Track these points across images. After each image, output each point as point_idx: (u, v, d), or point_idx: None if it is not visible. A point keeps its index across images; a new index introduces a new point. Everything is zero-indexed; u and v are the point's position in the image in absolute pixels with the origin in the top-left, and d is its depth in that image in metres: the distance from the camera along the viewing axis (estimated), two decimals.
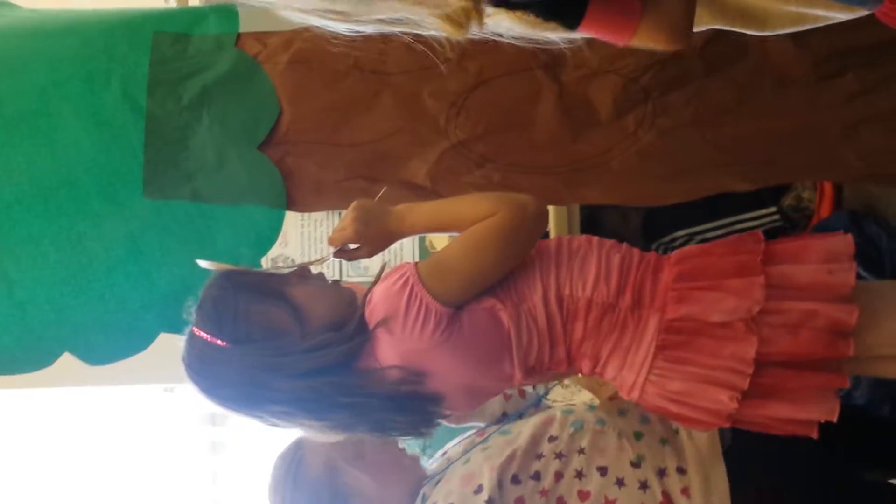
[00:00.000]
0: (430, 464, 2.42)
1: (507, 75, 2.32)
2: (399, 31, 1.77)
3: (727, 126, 2.28)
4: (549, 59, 2.30)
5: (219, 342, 1.80)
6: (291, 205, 2.38)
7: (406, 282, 1.80)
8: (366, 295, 1.87)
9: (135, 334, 2.37)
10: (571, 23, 1.78)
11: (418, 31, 1.73)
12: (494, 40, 2.23)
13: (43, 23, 2.48)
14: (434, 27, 1.69)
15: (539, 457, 2.18)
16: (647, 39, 1.79)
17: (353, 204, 1.90)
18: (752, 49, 2.25)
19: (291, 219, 3.36)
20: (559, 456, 2.18)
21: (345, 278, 3.55)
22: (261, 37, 2.43)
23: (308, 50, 2.38)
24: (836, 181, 2.97)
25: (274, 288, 1.85)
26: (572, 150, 2.31)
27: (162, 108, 2.32)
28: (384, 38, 2.33)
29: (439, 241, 2.99)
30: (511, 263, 1.87)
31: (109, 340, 2.36)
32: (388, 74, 2.36)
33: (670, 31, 1.77)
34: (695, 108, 2.27)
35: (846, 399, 2.69)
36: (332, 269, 3.48)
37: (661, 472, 2.16)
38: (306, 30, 2.37)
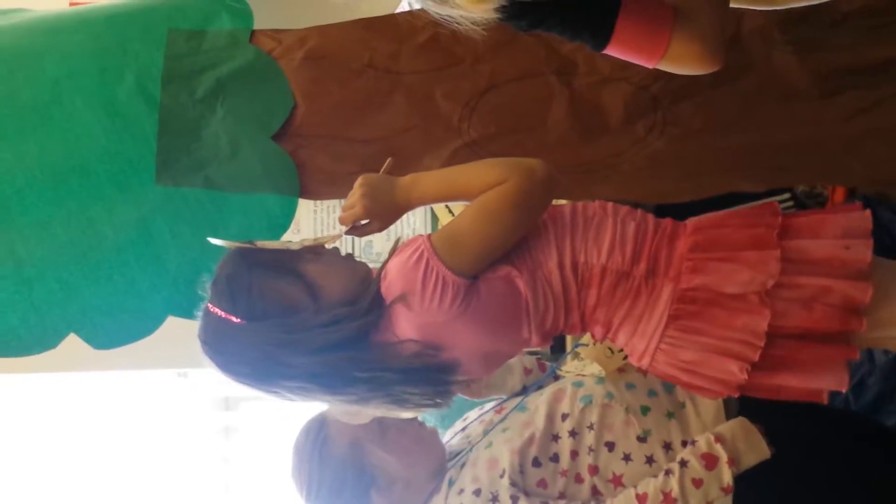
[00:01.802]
0: (449, 438, 2.44)
1: (520, 79, 2.33)
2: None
3: (734, 136, 2.28)
4: (562, 64, 2.32)
5: (233, 319, 1.80)
6: (304, 193, 2.39)
7: (421, 255, 1.79)
8: (381, 270, 1.87)
9: (142, 317, 2.38)
10: (599, 44, 1.78)
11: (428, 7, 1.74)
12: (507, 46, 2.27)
13: (56, 21, 2.50)
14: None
15: (555, 438, 2.21)
16: (677, 60, 1.79)
17: (360, 180, 1.89)
18: (758, 64, 2.26)
19: (304, 206, 3.36)
20: (572, 434, 2.21)
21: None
22: (275, 34, 2.44)
23: (323, 47, 2.39)
24: (844, 185, 2.98)
25: (288, 264, 1.85)
26: (583, 153, 2.32)
27: (176, 100, 2.33)
28: (399, 38, 2.35)
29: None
30: (524, 230, 1.85)
31: (116, 323, 2.37)
32: (402, 74, 2.37)
33: (704, 50, 1.77)
34: (703, 118, 2.28)
35: (856, 392, 2.72)
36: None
37: (667, 447, 2.19)
38: (321, 28, 2.41)
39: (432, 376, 1.83)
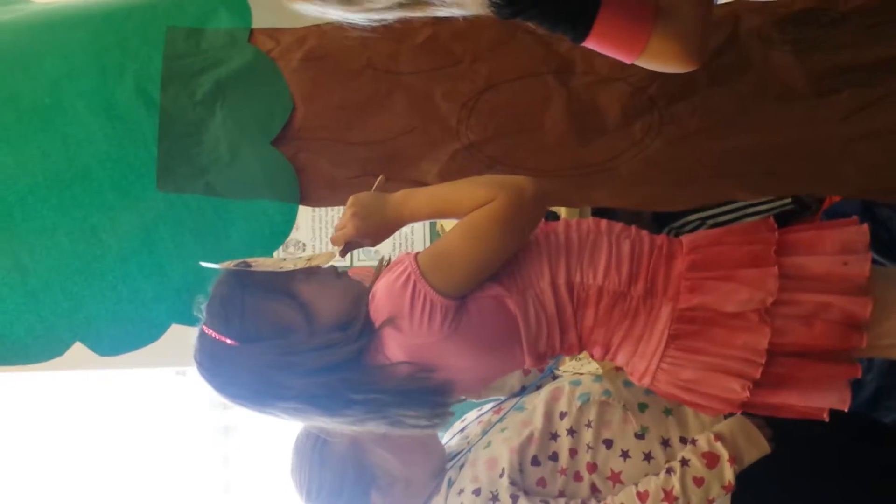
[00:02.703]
0: (448, 438, 2.45)
1: (518, 79, 2.31)
2: (418, 15, 1.77)
3: (731, 137, 2.27)
4: (560, 64, 2.31)
5: (227, 340, 1.80)
6: (304, 200, 2.37)
7: (408, 278, 1.79)
8: (368, 292, 1.87)
9: (146, 325, 2.37)
10: (579, 35, 1.79)
11: (437, 14, 1.74)
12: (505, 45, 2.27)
13: (55, 16, 2.47)
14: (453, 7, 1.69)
15: (554, 437, 2.22)
16: (656, 57, 1.80)
17: (350, 199, 1.90)
18: (756, 63, 2.26)
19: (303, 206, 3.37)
20: (571, 432, 2.22)
21: (355, 262, 3.56)
22: (273, 33, 2.42)
23: (321, 47, 2.38)
24: (836, 195, 2.98)
25: (282, 285, 1.85)
26: (580, 154, 2.30)
27: (175, 102, 2.32)
28: (398, 38, 2.34)
29: (450, 225, 2.99)
30: (513, 249, 1.85)
31: (121, 331, 2.37)
32: (401, 74, 2.35)
33: (683, 49, 1.78)
34: (700, 119, 2.27)
35: (855, 386, 2.71)
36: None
37: (665, 443, 2.20)
38: (319, 27, 2.40)
39: (427, 399, 1.84)
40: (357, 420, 1.83)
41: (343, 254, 1.93)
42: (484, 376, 1.95)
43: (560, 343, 1.89)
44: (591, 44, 1.81)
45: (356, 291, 1.89)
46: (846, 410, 1.87)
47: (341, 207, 2.01)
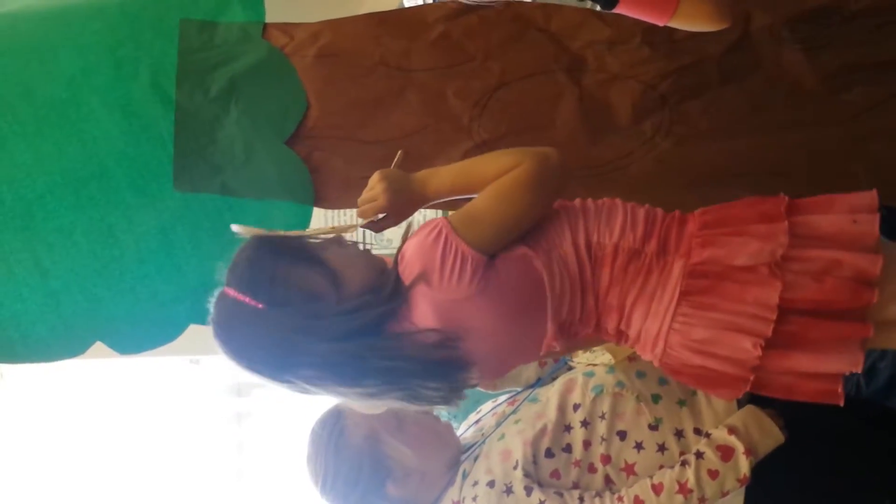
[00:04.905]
0: (463, 430, 2.45)
1: (530, 77, 2.32)
2: None
3: (741, 136, 2.28)
4: (571, 62, 2.32)
5: (255, 304, 1.79)
6: (319, 201, 2.38)
7: (440, 233, 1.80)
8: (398, 253, 1.87)
9: (165, 325, 2.38)
10: (610, 0, 1.78)
11: None
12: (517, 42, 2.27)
13: (68, 6, 2.46)
14: None
15: (568, 428, 2.22)
16: (688, 17, 1.80)
17: (376, 175, 1.90)
18: (767, 61, 2.27)
19: None
20: (584, 424, 2.22)
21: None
22: (287, 28, 2.42)
23: (335, 44, 2.38)
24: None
25: (311, 252, 1.85)
26: (591, 153, 2.32)
27: (190, 99, 2.31)
28: (410, 35, 2.34)
29: None
30: (539, 210, 1.87)
31: (140, 331, 2.38)
32: (413, 71, 2.35)
33: (714, 7, 1.78)
34: (710, 117, 2.28)
35: (868, 377, 2.71)
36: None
37: (679, 434, 2.20)
38: (333, 22, 2.39)
39: (447, 371, 1.83)
40: (375, 391, 1.82)
41: (365, 227, 1.93)
42: (507, 347, 1.94)
43: (580, 309, 1.89)
44: (622, 8, 1.80)
45: (381, 263, 1.89)
46: (859, 372, 1.84)
47: None
